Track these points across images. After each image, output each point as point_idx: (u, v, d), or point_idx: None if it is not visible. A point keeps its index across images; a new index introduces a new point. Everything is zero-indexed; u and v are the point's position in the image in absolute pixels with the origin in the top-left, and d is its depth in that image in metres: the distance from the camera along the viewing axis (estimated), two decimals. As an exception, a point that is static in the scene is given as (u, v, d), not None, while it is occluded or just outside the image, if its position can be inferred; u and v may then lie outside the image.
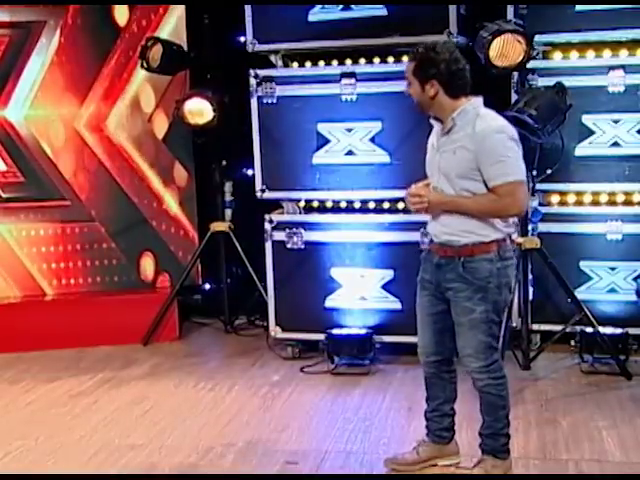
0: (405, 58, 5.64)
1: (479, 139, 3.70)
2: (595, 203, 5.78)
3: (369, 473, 4.26)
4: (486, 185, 3.77)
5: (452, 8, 5.46)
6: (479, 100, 3.86)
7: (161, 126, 6.83)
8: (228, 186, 6.68)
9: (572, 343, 5.63)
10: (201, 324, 6.99)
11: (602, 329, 5.47)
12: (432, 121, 3.97)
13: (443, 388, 4.16)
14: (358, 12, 5.66)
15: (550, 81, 5.41)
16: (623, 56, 5.59)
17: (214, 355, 6.28)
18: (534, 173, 5.41)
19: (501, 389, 3.96)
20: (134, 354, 6.29)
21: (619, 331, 5.52)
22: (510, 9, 5.59)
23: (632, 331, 5.54)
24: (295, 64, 5.96)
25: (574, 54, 5.69)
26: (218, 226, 6.57)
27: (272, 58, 5.89)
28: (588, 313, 5.48)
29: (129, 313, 6.52)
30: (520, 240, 5.47)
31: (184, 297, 6.88)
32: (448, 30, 5.45)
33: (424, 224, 4.00)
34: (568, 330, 5.63)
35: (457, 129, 3.79)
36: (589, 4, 5.47)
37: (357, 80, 5.66)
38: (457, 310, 3.89)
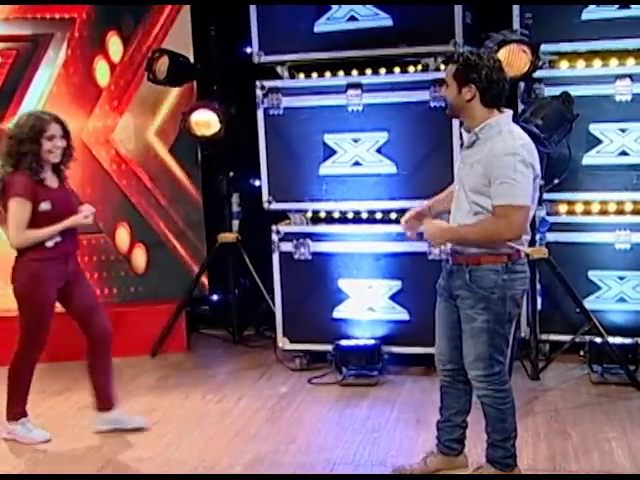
0: (411, 68, 5.73)
1: (491, 157, 3.73)
2: (603, 212, 5.75)
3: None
4: None
5: (458, 18, 5.45)
6: (507, 115, 3.87)
7: (168, 138, 6.83)
8: (235, 197, 6.67)
9: (581, 353, 5.58)
10: (209, 335, 6.97)
11: (611, 339, 5.44)
12: (462, 131, 3.99)
13: (457, 398, 4.15)
14: (364, 23, 5.66)
15: (557, 90, 5.39)
16: (630, 65, 5.56)
17: (222, 367, 6.26)
18: (541, 182, 5.38)
19: (500, 402, 3.94)
20: (142, 365, 6.29)
21: (629, 341, 5.48)
22: (516, 19, 5.59)
23: (642, 341, 5.52)
24: (301, 75, 5.97)
25: (581, 63, 5.67)
26: (226, 237, 6.56)
27: (278, 69, 5.89)
28: (597, 323, 5.45)
29: (137, 324, 6.51)
30: (528, 250, 5.39)
31: (192, 308, 6.87)
32: (454, 40, 5.44)
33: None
34: (577, 340, 5.60)
35: (479, 143, 3.82)
36: (592, 3, 5.46)
37: (363, 91, 5.65)
38: (462, 317, 3.93)
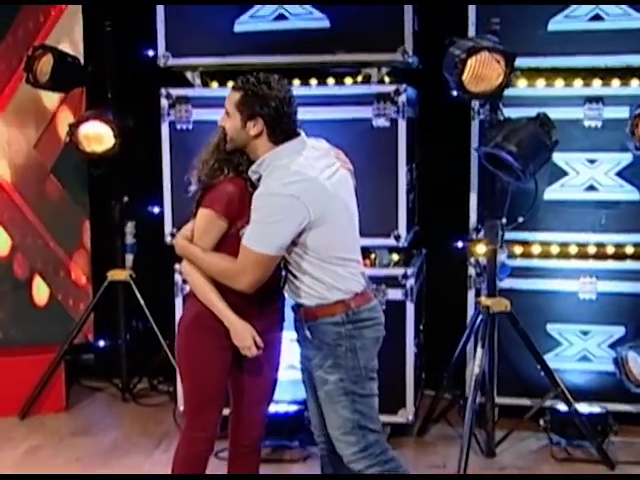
0: (348, 80, 5.12)
1: (256, 196, 3.40)
2: (565, 256, 5.16)
3: None
4: None
5: (408, 21, 4.76)
6: (288, 146, 3.42)
7: (50, 154, 6.13)
8: (130, 227, 5.94)
9: (541, 422, 4.91)
10: (93, 389, 6.09)
11: (578, 407, 4.75)
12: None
13: (336, 468, 3.68)
14: (295, 22, 4.94)
15: (517, 112, 4.72)
16: (598, 86, 5.01)
17: (108, 432, 5.32)
18: (504, 221, 4.66)
19: (394, 469, 3.51)
20: (8, 432, 5.33)
21: (597, 410, 4.83)
22: (472, 27, 4.94)
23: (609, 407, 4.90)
24: (215, 83, 5.28)
25: (542, 82, 5.06)
26: (116, 274, 5.89)
27: (189, 75, 5.21)
28: (564, 390, 4.73)
29: (5, 378, 5.61)
30: (488, 302, 4.68)
31: (74, 357, 6.08)
32: (403, 47, 4.77)
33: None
34: (530, 404, 4.94)
35: (263, 179, 3.47)
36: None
37: (290, 104, 4.85)
38: (316, 383, 3.54)
